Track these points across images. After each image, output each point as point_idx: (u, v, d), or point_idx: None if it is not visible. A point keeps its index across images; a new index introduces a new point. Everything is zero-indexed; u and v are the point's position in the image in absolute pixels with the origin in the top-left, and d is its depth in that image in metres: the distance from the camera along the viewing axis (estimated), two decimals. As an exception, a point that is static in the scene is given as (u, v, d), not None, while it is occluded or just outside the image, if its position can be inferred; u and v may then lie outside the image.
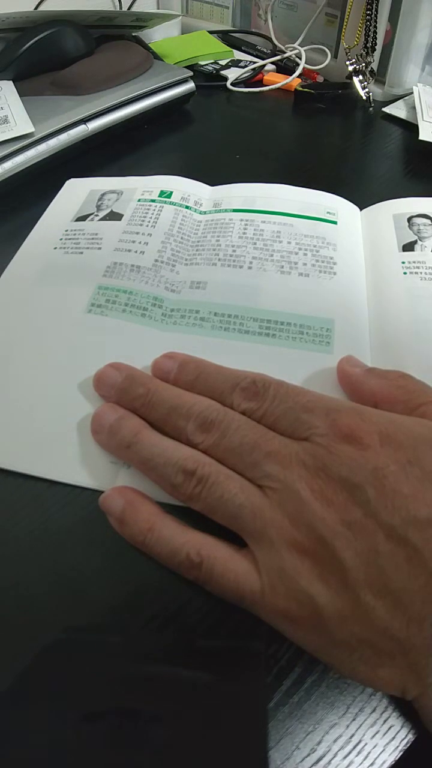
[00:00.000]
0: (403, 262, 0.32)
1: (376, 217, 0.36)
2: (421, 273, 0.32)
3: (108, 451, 0.24)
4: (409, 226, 0.35)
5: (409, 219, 0.35)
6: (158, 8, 0.70)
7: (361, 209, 0.37)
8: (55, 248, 0.34)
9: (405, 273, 0.32)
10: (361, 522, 0.19)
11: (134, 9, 0.64)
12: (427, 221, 0.35)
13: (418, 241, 0.33)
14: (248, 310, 0.30)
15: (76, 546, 0.22)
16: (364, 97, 0.52)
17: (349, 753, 0.18)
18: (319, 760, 0.18)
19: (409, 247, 0.33)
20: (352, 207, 0.37)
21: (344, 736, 0.18)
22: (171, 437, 0.23)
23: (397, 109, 0.51)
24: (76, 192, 0.39)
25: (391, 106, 0.52)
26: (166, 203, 0.37)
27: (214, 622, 0.20)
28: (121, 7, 0.64)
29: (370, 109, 0.52)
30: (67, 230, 0.35)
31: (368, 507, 0.19)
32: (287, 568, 0.19)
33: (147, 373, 0.26)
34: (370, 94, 0.52)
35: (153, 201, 0.37)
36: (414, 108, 0.49)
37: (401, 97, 0.53)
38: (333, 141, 0.49)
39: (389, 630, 0.18)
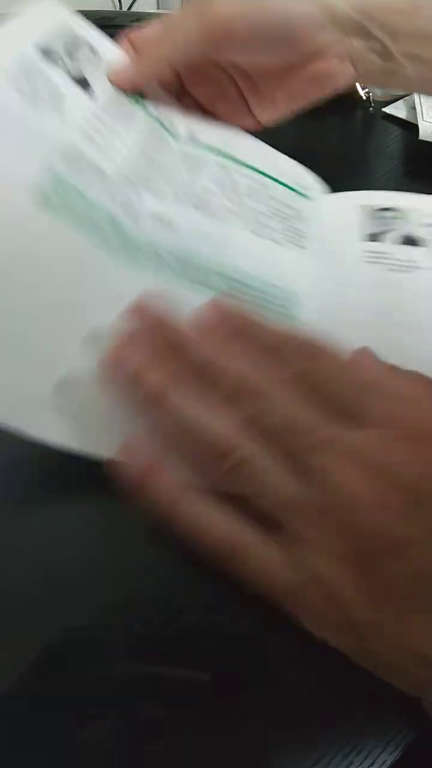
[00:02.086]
0: (367, 251, 0.32)
1: (345, 204, 0.36)
2: (383, 263, 0.32)
3: (126, 402, 0.21)
4: (376, 218, 0.34)
5: (377, 210, 0.35)
6: (158, 8, 0.70)
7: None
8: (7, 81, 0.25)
9: (368, 261, 0.32)
10: (417, 542, 0.17)
11: (134, 9, 0.64)
12: (394, 214, 0.35)
13: (383, 233, 0.33)
14: (214, 263, 0.27)
15: (76, 546, 0.22)
16: (364, 97, 0.52)
17: (350, 753, 0.18)
18: (319, 759, 0.18)
19: (373, 237, 0.33)
20: (325, 190, 0.37)
21: (344, 736, 0.18)
22: (202, 397, 0.20)
23: (397, 109, 0.51)
24: (45, 15, 0.29)
25: (391, 106, 0.52)
26: (140, 108, 0.30)
27: (214, 622, 0.20)
28: (121, 7, 0.64)
29: (370, 109, 0.52)
30: (24, 61, 0.26)
31: (427, 525, 0.17)
32: (326, 574, 0.18)
33: (185, 318, 0.22)
34: (370, 94, 0.52)
35: (127, 96, 0.30)
36: (414, 108, 0.49)
37: (401, 97, 0.53)
38: (333, 141, 0.49)
39: (424, 649, 0.17)
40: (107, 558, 0.22)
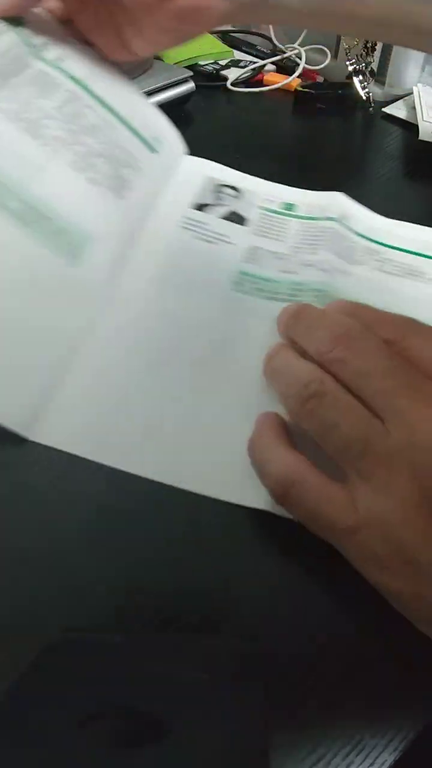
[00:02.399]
0: (186, 218, 0.33)
1: (194, 171, 0.37)
2: (195, 231, 0.33)
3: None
4: (213, 190, 0.36)
5: (219, 185, 0.36)
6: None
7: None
8: None
9: (183, 227, 0.33)
10: None
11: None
12: (233, 192, 0.36)
13: (212, 206, 0.35)
14: (18, 186, 0.26)
15: (76, 546, 0.22)
16: (364, 97, 0.52)
17: (349, 753, 0.18)
18: (319, 760, 0.18)
19: (200, 207, 0.34)
20: (181, 150, 0.37)
21: (344, 736, 0.18)
22: (305, 350, 0.23)
23: (397, 109, 0.52)
24: None
25: (391, 106, 0.52)
26: (11, 30, 0.30)
27: (214, 622, 0.20)
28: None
29: (370, 109, 0.52)
30: None
31: None
32: (392, 516, 0.18)
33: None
34: (370, 94, 0.52)
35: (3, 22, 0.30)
36: (414, 108, 0.49)
37: (401, 97, 0.53)
38: (333, 141, 0.49)
39: None
40: (107, 558, 0.22)
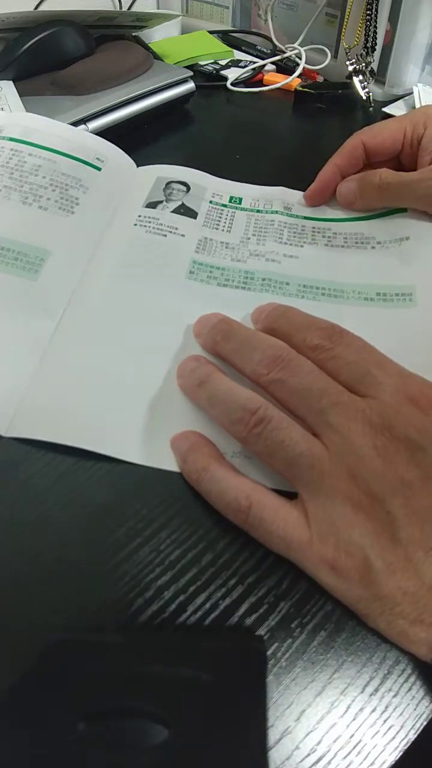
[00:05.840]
0: (139, 216, 0.35)
1: (142, 176, 0.39)
2: (148, 226, 0.34)
3: (184, 391, 0.26)
4: (164, 189, 0.37)
5: (169, 183, 0.38)
6: (158, 8, 0.70)
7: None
8: None
9: (135, 225, 0.34)
10: (420, 482, 0.20)
11: (134, 9, 0.64)
12: (183, 188, 0.37)
13: (164, 202, 0.36)
14: None
15: (76, 546, 0.22)
16: (364, 97, 0.52)
17: (349, 753, 0.18)
18: (319, 760, 0.18)
19: (152, 205, 0.36)
20: (129, 162, 0.40)
21: (344, 736, 0.18)
22: (239, 370, 0.24)
23: (397, 109, 0.51)
24: None
25: (391, 105, 0.52)
26: None
27: (214, 621, 0.20)
28: (121, 7, 0.64)
29: (370, 109, 0.52)
30: None
31: (428, 469, 0.20)
32: (339, 519, 0.20)
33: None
34: (370, 93, 0.52)
35: None
36: (414, 107, 0.49)
37: (401, 97, 0.53)
38: (333, 141, 0.49)
39: None
40: (107, 557, 0.22)
